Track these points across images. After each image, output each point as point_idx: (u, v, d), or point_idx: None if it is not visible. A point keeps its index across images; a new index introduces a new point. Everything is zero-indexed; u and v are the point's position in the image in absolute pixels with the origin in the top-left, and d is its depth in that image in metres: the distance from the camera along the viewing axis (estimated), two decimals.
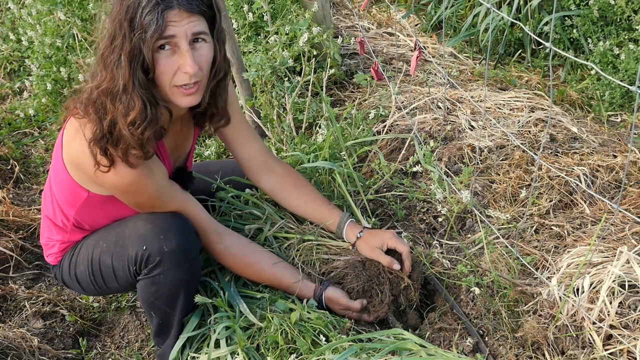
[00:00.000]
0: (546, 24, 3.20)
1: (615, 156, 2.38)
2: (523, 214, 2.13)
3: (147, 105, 1.55)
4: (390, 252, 1.93)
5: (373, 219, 2.19)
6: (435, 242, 2.18)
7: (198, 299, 1.79)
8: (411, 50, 3.42)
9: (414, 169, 2.38)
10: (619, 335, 1.62)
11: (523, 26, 1.78)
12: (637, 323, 1.65)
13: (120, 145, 1.58)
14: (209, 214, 1.90)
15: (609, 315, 1.66)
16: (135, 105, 1.53)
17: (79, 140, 1.63)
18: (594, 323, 1.67)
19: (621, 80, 2.88)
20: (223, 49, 1.67)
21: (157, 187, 1.72)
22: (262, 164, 2.03)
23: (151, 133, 1.58)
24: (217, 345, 1.82)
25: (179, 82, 1.57)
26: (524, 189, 2.19)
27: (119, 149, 1.59)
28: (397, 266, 1.89)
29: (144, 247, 1.70)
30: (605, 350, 1.63)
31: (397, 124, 2.65)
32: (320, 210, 2.03)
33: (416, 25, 3.82)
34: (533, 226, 2.11)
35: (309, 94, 2.71)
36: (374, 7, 4.04)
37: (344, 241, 2.01)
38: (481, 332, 1.86)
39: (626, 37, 3.02)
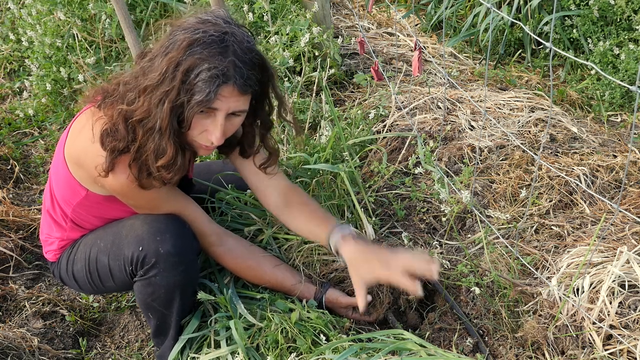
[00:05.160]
0: (546, 24, 3.20)
1: (615, 156, 2.38)
2: (523, 214, 2.13)
3: (178, 154, 1.58)
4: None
5: (374, 219, 2.19)
6: (435, 242, 2.18)
7: (201, 295, 1.78)
8: (411, 50, 3.42)
9: (416, 171, 2.38)
10: (619, 335, 1.62)
11: (523, 26, 1.78)
12: (637, 323, 1.65)
13: (144, 171, 1.61)
14: (209, 216, 1.89)
15: (609, 315, 1.66)
16: (167, 152, 1.55)
17: (83, 139, 1.64)
18: (594, 323, 1.67)
19: (621, 80, 2.88)
20: (266, 107, 1.72)
21: (156, 190, 1.72)
22: (284, 191, 1.92)
23: (178, 176, 1.62)
24: (217, 345, 1.82)
25: (202, 141, 1.61)
26: (524, 189, 2.19)
27: (138, 168, 1.61)
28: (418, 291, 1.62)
29: (140, 248, 1.70)
30: (605, 350, 1.63)
31: (397, 124, 2.65)
32: (315, 230, 1.84)
33: (416, 25, 3.82)
34: (533, 226, 2.11)
35: (313, 94, 2.71)
36: (374, 7, 4.04)
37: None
38: (481, 332, 1.86)
39: (626, 37, 3.02)
